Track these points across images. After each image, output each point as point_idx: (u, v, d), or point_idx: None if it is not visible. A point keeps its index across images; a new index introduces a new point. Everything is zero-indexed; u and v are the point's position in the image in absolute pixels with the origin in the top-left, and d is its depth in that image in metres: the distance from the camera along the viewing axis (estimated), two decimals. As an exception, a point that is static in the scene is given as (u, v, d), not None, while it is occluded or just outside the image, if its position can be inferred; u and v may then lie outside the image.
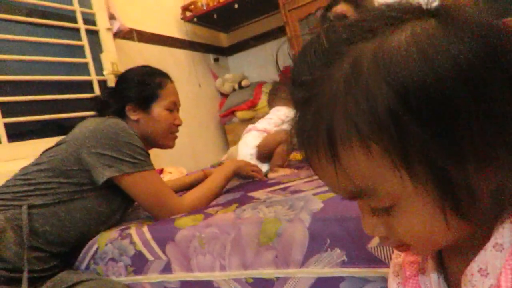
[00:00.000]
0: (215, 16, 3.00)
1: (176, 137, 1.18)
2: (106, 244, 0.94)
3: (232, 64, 3.79)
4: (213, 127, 3.36)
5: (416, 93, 0.26)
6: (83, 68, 2.15)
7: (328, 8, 1.67)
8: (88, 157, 0.93)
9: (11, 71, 1.82)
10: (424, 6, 0.30)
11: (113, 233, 0.95)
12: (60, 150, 0.97)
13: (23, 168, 0.99)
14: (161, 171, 2.24)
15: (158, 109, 1.09)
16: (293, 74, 0.33)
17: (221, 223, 0.80)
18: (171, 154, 2.89)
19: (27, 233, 0.86)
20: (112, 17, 2.34)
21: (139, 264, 0.88)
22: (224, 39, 3.78)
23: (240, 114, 3.18)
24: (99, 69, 2.22)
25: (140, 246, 0.88)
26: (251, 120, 3.21)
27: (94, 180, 0.94)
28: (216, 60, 3.53)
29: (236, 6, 2.86)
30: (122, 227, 0.98)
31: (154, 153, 2.70)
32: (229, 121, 3.32)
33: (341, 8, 1.62)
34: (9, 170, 1.03)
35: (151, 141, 1.14)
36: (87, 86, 2.15)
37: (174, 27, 3.08)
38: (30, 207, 0.90)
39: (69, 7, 2.11)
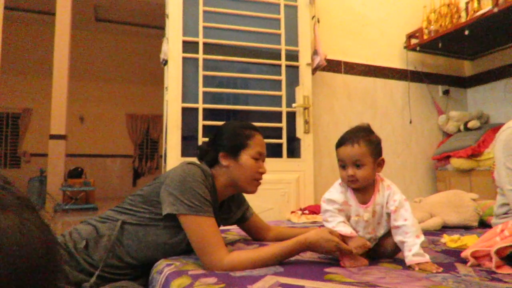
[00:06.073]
0: (439, 44, 2.58)
1: (259, 183, 1.24)
2: (156, 273, 1.09)
3: (471, 98, 3.10)
4: (422, 170, 2.90)
5: None
6: (278, 100, 2.41)
7: None
8: (162, 193, 1.12)
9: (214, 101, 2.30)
10: None
11: (163, 265, 1.09)
12: (155, 183, 1.20)
13: (139, 189, 1.28)
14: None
15: (245, 157, 1.19)
16: None
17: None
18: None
19: (113, 240, 1.14)
20: (315, 53, 2.47)
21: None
22: (467, 68, 3.15)
23: (455, 162, 2.58)
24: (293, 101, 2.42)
25: (158, 286, 0.98)
26: (469, 172, 2.55)
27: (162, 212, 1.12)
28: (445, 92, 3.00)
29: (466, 32, 2.35)
30: (172, 262, 1.10)
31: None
32: (443, 166, 2.76)
33: None
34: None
35: (236, 186, 1.22)
36: (277, 116, 2.39)
37: (394, 57, 2.87)
38: (124, 222, 1.17)
39: (277, 46, 2.41)
